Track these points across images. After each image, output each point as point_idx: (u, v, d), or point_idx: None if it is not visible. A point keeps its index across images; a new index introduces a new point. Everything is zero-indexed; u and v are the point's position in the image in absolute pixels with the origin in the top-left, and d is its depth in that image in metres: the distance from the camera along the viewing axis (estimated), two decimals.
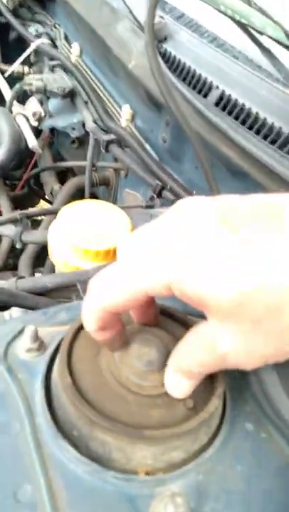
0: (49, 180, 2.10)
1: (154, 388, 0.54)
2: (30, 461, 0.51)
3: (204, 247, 0.35)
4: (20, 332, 0.66)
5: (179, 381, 0.47)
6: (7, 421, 0.54)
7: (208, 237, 0.35)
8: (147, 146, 1.56)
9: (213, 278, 0.34)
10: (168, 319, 0.65)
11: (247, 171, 1.03)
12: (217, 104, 1.06)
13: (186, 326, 0.61)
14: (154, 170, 1.38)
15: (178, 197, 1.33)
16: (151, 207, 1.63)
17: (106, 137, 1.62)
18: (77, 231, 0.94)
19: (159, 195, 1.44)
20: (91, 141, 1.68)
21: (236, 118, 1.03)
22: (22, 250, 1.45)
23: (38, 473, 0.49)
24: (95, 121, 1.73)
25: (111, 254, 0.93)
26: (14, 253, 1.62)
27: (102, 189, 2.04)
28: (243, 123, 1.02)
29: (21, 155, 1.97)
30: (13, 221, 1.22)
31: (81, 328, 0.61)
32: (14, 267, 1.65)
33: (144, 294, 0.40)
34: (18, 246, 1.23)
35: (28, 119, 1.81)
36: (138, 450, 0.50)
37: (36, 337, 0.63)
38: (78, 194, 1.84)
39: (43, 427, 0.53)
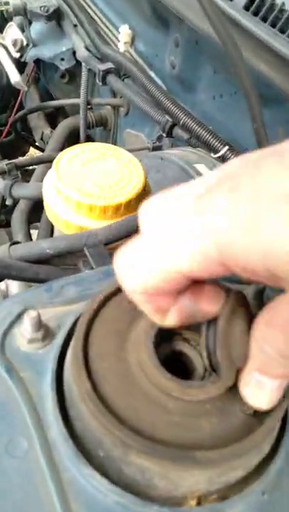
0: (38, 124, 1.89)
1: (202, 390, 0.42)
2: (45, 491, 0.40)
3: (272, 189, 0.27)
4: (19, 316, 0.53)
5: (263, 384, 0.37)
6: (10, 438, 0.43)
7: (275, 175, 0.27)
8: (152, 74, 1.35)
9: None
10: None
11: None
12: (247, 8, 0.86)
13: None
14: (161, 103, 1.19)
15: (192, 134, 1.15)
16: (159, 148, 1.45)
17: (102, 66, 1.40)
18: (79, 182, 0.79)
19: (169, 133, 1.26)
20: (84, 73, 1.46)
21: (273, 25, 0.83)
22: (15, 205, 1.29)
23: (57, 507, 0.39)
24: (87, 48, 1.49)
25: (122, 210, 0.79)
26: (6, 208, 1.47)
27: (98, 131, 1.84)
28: (283, 31, 0.82)
29: (3, 94, 1.75)
30: (1, 173, 1.06)
31: (99, 309, 0.48)
32: (7, 224, 1.51)
33: (184, 275, 0.32)
34: (8, 202, 1.08)
35: (7, 50, 1.57)
36: (188, 476, 0.39)
37: (39, 323, 0.50)
38: (72, 138, 1.65)
39: (58, 444, 0.42)
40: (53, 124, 1.87)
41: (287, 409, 0.48)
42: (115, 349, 0.45)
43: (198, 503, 0.40)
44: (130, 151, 1.37)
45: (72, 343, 0.44)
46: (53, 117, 1.99)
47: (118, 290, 0.51)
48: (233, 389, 0.43)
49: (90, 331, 0.46)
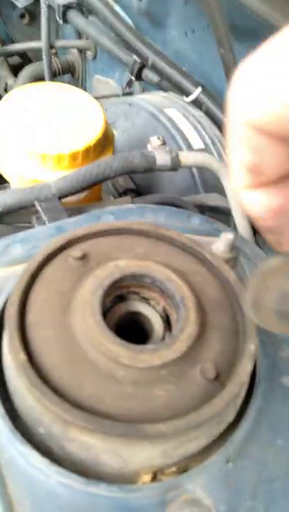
0: (1, 74, 1.75)
1: (156, 355, 0.37)
2: None
3: None
4: None
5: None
6: None
7: None
8: (118, 9, 1.22)
9: None
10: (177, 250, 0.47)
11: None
12: None
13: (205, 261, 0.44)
14: (129, 41, 1.08)
15: (163, 76, 1.05)
16: (129, 94, 1.35)
17: (61, 1, 1.26)
18: (29, 128, 0.70)
19: (139, 76, 1.16)
20: (43, 9, 1.32)
21: None
22: None
23: None
24: None
25: (79, 159, 0.71)
26: None
27: (67, 79, 1.71)
28: None
29: None
30: None
31: (40, 268, 0.42)
32: None
33: None
34: None
35: None
36: (139, 451, 0.35)
37: None
38: None
39: None
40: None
41: (255, 370, 0.44)
42: (57, 314, 0.39)
43: (154, 478, 0.37)
44: (99, 98, 1.27)
45: (6, 309, 0.39)
46: (20, 67, 1.84)
47: (65, 245, 0.45)
48: (193, 350, 0.39)
49: (29, 294, 0.40)
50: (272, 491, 0.39)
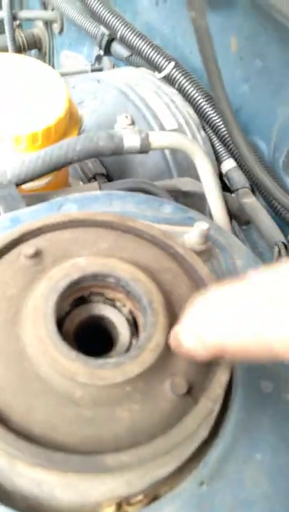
0: None
1: (119, 370, 0.32)
2: None
3: None
4: None
5: (189, 344, 0.33)
6: None
7: None
8: None
9: None
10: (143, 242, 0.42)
11: None
12: None
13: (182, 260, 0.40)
14: (96, 11, 0.99)
15: (133, 50, 0.98)
16: (99, 70, 1.26)
17: None
18: None
19: (107, 50, 1.08)
20: None
21: None
22: None
23: None
24: None
25: (39, 141, 0.64)
26: None
27: (34, 55, 1.60)
28: None
29: None
30: None
31: None
32: None
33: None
34: None
35: None
36: (99, 484, 0.30)
37: None
38: None
39: None
40: None
41: (232, 376, 0.39)
42: (4, 323, 0.34)
43: (118, 510, 0.32)
44: (67, 75, 1.18)
45: None
46: None
47: (16, 241, 0.39)
48: (162, 362, 0.34)
49: None
50: None
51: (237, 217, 0.90)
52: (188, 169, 0.92)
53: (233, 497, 0.35)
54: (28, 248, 0.38)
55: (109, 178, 0.95)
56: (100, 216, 0.43)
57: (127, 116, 0.64)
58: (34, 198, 0.62)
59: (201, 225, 0.51)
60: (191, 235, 0.51)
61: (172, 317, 0.37)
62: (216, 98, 0.67)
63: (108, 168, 1.02)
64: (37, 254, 0.38)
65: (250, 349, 0.29)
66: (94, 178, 0.95)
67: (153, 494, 0.33)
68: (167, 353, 0.35)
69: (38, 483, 0.29)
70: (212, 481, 0.35)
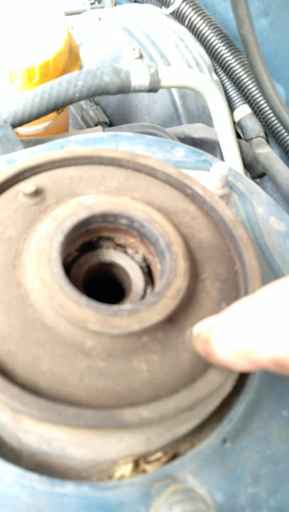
0: None
1: (136, 317, 0.29)
2: None
3: None
4: None
5: (228, 358, 0.26)
6: None
7: None
8: None
9: None
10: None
11: None
12: None
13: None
14: None
15: None
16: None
17: None
18: None
19: None
20: None
21: None
22: None
23: None
24: None
25: (37, 77, 0.58)
26: None
27: None
28: None
29: None
30: None
31: None
32: None
33: None
34: None
35: None
36: (116, 442, 0.27)
37: None
38: None
39: None
40: None
41: None
42: (4, 267, 0.30)
43: (136, 468, 0.30)
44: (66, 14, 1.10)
45: None
46: None
47: (14, 178, 0.35)
48: (183, 310, 0.31)
49: None
50: (277, 473, 0.33)
51: (250, 168, 0.85)
52: (198, 117, 0.86)
53: (258, 454, 0.33)
54: (27, 186, 0.34)
55: (111, 127, 0.90)
56: (107, 152, 0.38)
57: (134, 49, 0.58)
58: (32, 142, 0.57)
59: (221, 167, 0.46)
60: (208, 179, 0.47)
61: (192, 263, 0.34)
62: (237, 19, 0.59)
63: (111, 116, 0.96)
64: (38, 193, 0.34)
65: None
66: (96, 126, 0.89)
67: (173, 452, 0.31)
68: (189, 300, 0.31)
69: (47, 440, 0.27)
70: (235, 438, 0.33)
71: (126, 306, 0.30)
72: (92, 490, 0.28)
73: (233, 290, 0.33)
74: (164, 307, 0.30)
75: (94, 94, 0.57)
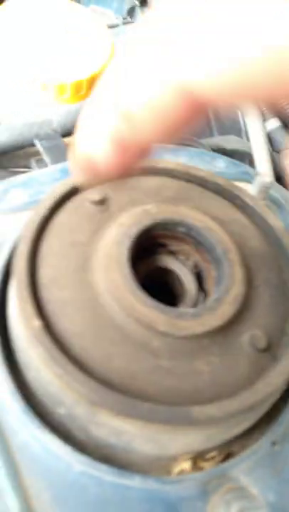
0: None
1: (198, 321, 0.31)
2: None
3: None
4: None
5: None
6: None
7: None
8: None
9: None
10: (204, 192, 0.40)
11: None
12: None
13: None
14: None
15: None
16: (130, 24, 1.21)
17: None
18: (24, 50, 0.60)
19: (144, 0, 1.02)
20: None
21: None
22: None
23: (3, 482, 0.29)
24: None
25: (84, 90, 0.61)
26: None
27: None
28: None
29: None
30: None
31: (51, 215, 0.35)
32: None
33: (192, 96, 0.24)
34: None
35: None
36: (182, 437, 0.29)
37: None
38: None
39: (4, 401, 0.31)
40: None
41: None
42: (75, 270, 0.32)
43: (194, 466, 0.31)
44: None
45: (14, 263, 0.32)
46: None
47: (76, 189, 0.37)
48: (240, 315, 0.32)
49: (39, 246, 0.33)
50: None
51: (280, 180, 0.87)
52: (230, 129, 0.88)
53: None
54: (93, 194, 0.36)
55: None
56: (162, 164, 0.41)
57: None
58: None
59: (263, 179, 0.48)
60: (251, 189, 0.49)
61: (247, 270, 0.35)
62: None
63: None
64: (103, 201, 0.36)
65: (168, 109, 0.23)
66: None
67: (226, 452, 0.33)
68: (245, 306, 0.33)
69: (118, 433, 0.29)
70: (285, 441, 0.34)
71: (189, 309, 0.32)
72: (157, 483, 0.30)
73: (283, 296, 0.35)
74: (223, 312, 0.32)
75: None
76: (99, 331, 0.30)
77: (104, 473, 0.29)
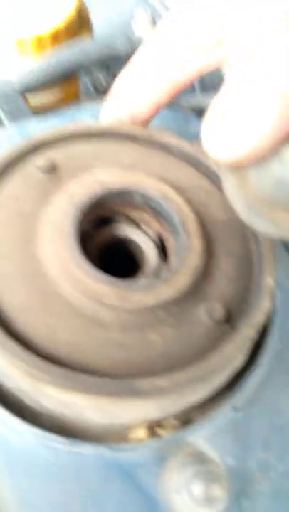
0: None
1: (151, 293, 0.30)
2: None
3: None
4: None
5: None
6: None
7: None
8: None
9: None
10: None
11: None
12: None
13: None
14: None
15: None
16: None
17: None
18: None
19: None
20: None
21: None
22: None
23: None
24: None
25: (47, 45, 0.58)
26: None
27: None
28: None
29: None
30: None
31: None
32: None
33: None
34: None
35: None
36: (130, 407, 0.29)
37: None
38: None
39: None
40: None
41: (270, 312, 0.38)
42: (19, 242, 0.31)
43: (150, 433, 0.32)
44: None
45: None
46: None
47: (27, 152, 0.36)
48: (197, 286, 0.32)
49: None
50: (287, 441, 0.35)
51: None
52: (213, 87, 0.84)
53: (269, 424, 0.35)
54: (41, 160, 0.35)
55: None
56: (121, 127, 0.39)
57: (146, 11, 0.57)
58: (42, 113, 0.57)
59: None
60: None
61: (207, 240, 0.34)
62: None
63: None
64: (52, 167, 0.35)
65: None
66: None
67: (186, 418, 0.33)
68: (203, 277, 0.32)
69: (67, 405, 0.29)
70: (247, 408, 0.34)
71: (142, 281, 0.31)
72: (109, 451, 0.30)
73: (247, 267, 0.34)
74: (178, 284, 0.31)
75: (105, 64, 0.56)
76: (44, 306, 0.29)
77: (59, 443, 0.30)
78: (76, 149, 0.37)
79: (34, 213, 0.32)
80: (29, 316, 0.29)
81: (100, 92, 0.90)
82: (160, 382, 0.27)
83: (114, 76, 0.94)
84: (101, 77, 0.89)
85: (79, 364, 0.28)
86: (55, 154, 0.36)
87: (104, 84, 0.90)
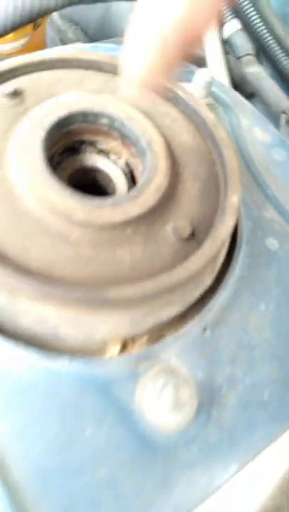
0: None
1: (119, 209, 0.31)
2: None
3: None
4: None
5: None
6: None
7: None
8: None
9: None
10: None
11: None
12: None
13: None
14: None
15: None
16: None
17: None
18: None
19: None
20: None
21: None
22: None
23: None
24: None
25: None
26: None
27: None
28: None
29: None
30: None
31: None
32: None
33: None
34: None
35: None
36: (104, 320, 0.30)
37: None
38: None
39: None
40: None
41: (236, 233, 0.39)
42: None
43: (124, 349, 0.33)
44: None
45: None
46: None
47: None
48: (163, 205, 0.33)
49: None
50: (252, 357, 0.37)
51: (239, 87, 0.84)
52: None
53: (236, 342, 0.36)
54: (6, 87, 0.35)
55: None
56: (86, 55, 0.39)
57: None
58: None
59: (204, 74, 0.47)
60: (192, 86, 0.47)
61: (173, 162, 0.35)
62: None
63: (92, 37, 0.93)
64: (17, 94, 0.35)
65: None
66: None
67: (157, 336, 0.34)
68: (169, 196, 0.33)
69: (42, 320, 0.30)
70: (215, 326, 0.36)
71: (108, 199, 0.32)
72: (84, 366, 0.31)
73: (213, 188, 0.35)
74: (144, 201, 0.32)
75: (71, 3, 0.56)
76: (15, 224, 0.30)
77: (34, 359, 0.31)
78: (41, 77, 0.37)
79: (2, 138, 0.33)
80: (2, 235, 0.29)
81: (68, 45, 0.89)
82: (128, 290, 0.29)
83: (82, 29, 0.92)
84: (70, 32, 0.88)
85: (50, 277, 0.29)
86: (19, 82, 0.36)
87: (73, 38, 0.88)
